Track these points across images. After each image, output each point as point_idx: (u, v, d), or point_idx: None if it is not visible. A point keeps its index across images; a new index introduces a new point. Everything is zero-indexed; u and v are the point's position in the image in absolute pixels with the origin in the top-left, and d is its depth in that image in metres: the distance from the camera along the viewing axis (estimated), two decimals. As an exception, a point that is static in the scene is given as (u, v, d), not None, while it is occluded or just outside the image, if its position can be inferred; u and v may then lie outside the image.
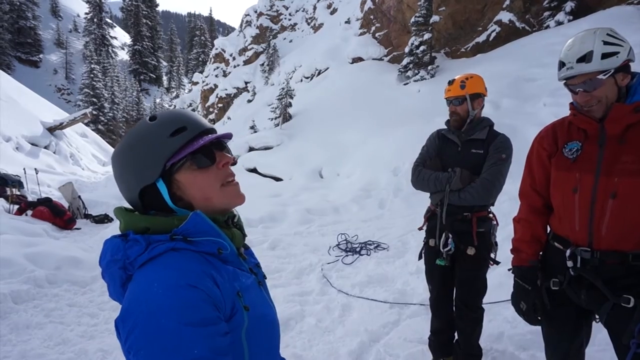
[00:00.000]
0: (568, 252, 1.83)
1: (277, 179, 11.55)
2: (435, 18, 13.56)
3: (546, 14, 12.13)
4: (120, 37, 70.75)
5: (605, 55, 1.66)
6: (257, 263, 1.18)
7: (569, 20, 11.32)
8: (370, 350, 3.42)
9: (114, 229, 7.68)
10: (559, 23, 11.58)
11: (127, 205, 1.05)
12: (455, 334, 2.96)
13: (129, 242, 0.93)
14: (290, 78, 20.23)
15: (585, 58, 1.69)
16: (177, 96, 57.61)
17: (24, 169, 10.70)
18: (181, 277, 0.86)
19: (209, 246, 0.96)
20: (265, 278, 1.21)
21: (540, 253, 2.05)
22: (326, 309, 4.22)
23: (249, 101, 26.28)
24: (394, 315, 3.98)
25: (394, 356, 3.29)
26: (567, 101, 1.93)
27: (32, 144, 14.95)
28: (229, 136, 1.09)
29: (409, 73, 14.33)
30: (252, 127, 16.57)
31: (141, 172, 0.98)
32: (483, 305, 2.84)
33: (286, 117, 15.73)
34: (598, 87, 1.70)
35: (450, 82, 2.77)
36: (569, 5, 11.40)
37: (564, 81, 1.80)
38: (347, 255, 5.77)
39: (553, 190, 1.93)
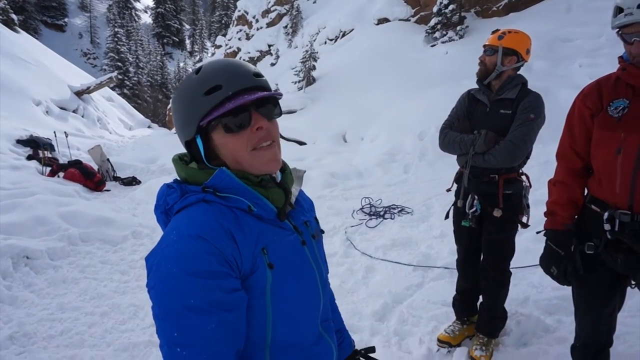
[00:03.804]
0: (606, 215, 1.75)
1: (301, 143, 11.51)
2: (466, -26, 12.90)
3: (587, -33, 11.35)
4: (142, -1, 70.24)
5: None
6: (306, 221, 1.13)
7: (612, -25, 10.58)
8: (394, 311, 3.46)
9: (141, 191, 7.85)
10: (601, -22, 10.83)
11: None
12: (480, 296, 2.95)
13: (170, 189, 1.00)
14: (314, 40, 19.79)
15: None
16: (200, 60, 57.39)
17: (54, 132, 10.93)
18: (193, 228, 0.89)
19: (239, 202, 0.96)
20: (323, 232, 1.21)
21: (576, 217, 1.98)
22: (350, 271, 4.26)
23: (272, 64, 25.93)
24: (417, 278, 3.99)
25: (417, 317, 3.32)
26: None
27: (61, 108, 15.21)
28: (278, 95, 1.01)
29: (437, 34, 13.78)
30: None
31: (183, 126, 1.01)
32: (510, 269, 2.81)
33: (310, 81, 15.52)
34: None
35: (494, 32, 2.67)
36: (612, -42, 10.62)
37: (618, 30, 1.67)
38: (371, 219, 5.77)
39: (594, 150, 1.83)
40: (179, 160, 1.04)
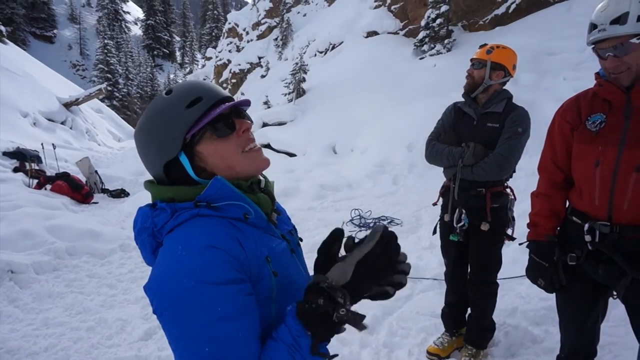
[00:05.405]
0: (586, 226, 1.79)
1: (291, 155, 11.52)
2: (453, -11, 13.14)
3: (570, -17, 11.62)
4: (133, 11, 70.47)
5: None
6: (291, 229, 1.16)
7: (595, -10, 10.83)
8: (383, 322, 3.45)
9: (130, 203, 7.80)
10: (584, -7, 11.09)
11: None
12: (469, 308, 2.97)
13: (156, 210, 0.96)
14: (304, 53, 19.91)
15: (619, 20, 1.58)
16: (190, 72, 57.54)
17: (42, 144, 10.82)
18: (203, 239, 0.87)
19: (234, 211, 0.95)
20: (302, 240, 1.19)
21: (558, 228, 2.02)
22: (339, 283, 4.25)
23: (263, 76, 26.07)
24: (406, 289, 3.98)
25: (407, 329, 3.32)
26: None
27: (49, 120, 15.11)
28: (246, 103, 1.06)
29: (425, 47, 13.97)
30: (265, 103, 16.48)
31: (162, 147, 0.98)
32: (497, 281, 2.83)
33: (300, 93, 15.59)
34: (629, 52, 1.61)
35: (481, 46, 2.72)
36: (594, -26, 10.89)
37: (592, 46, 1.72)
38: (360, 231, 5.79)
39: (575, 164, 1.87)
40: (154, 183, 1.03)
